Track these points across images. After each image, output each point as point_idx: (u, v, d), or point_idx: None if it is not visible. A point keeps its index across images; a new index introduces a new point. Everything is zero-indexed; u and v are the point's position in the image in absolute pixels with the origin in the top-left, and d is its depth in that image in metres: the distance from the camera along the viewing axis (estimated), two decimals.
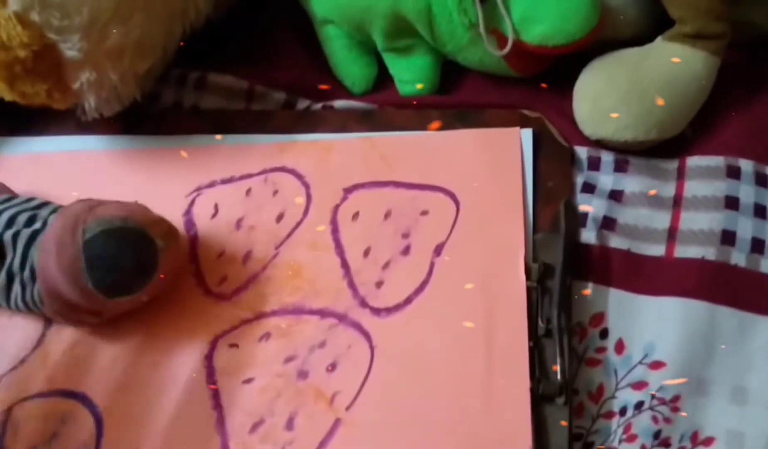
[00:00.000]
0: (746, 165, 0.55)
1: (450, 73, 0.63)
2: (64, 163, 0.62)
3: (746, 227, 0.53)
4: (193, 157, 0.61)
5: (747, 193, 0.54)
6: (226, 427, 0.50)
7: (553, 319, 0.50)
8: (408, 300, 0.53)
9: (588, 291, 0.52)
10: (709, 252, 0.52)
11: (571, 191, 0.56)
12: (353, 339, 0.52)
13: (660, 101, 0.52)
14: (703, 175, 0.55)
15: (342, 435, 0.49)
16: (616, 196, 0.55)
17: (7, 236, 0.52)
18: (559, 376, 0.49)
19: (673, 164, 0.57)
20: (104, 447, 0.50)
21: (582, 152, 0.58)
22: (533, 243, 0.54)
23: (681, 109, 0.55)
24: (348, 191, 0.58)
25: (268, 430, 0.49)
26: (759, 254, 0.52)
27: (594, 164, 0.57)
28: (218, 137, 0.61)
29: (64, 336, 0.54)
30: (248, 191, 0.59)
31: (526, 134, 0.58)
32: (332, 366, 0.51)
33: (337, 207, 0.57)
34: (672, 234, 0.53)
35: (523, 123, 0.59)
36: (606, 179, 0.56)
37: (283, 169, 0.59)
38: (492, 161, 0.57)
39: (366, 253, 0.55)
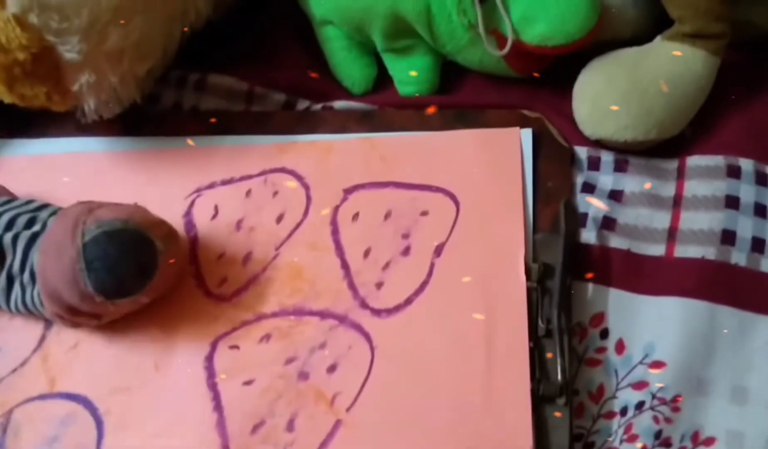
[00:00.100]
0: (746, 164, 0.55)
1: (450, 74, 0.63)
2: (63, 165, 0.62)
3: (746, 227, 0.53)
4: (192, 158, 0.61)
5: (747, 192, 0.54)
6: (227, 428, 0.50)
7: (554, 319, 0.50)
8: (408, 301, 0.53)
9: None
10: (709, 252, 0.52)
11: (571, 191, 0.56)
12: (353, 340, 0.52)
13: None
14: (703, 174, 0.55)
15: (342, 436, 0.49)
16: (616, 196, 0.55)
17: (7, 238, 0.52)
18: (559, 376, 0.49)
19: (673, 164, 0.57)
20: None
21: (582, 152, 0.58)
22: (533, 243, 0.54)
23: (681, 109, 0.55)
24: (348, 191, 0.58)
25: (268, 431, 0.49)
26: (759, 253, 0.52)
27: (594, 164, 0.57)
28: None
29: (64, 338, 0.54)
30: (248, 192, 0.59)
31: (526, 134, 0.58)
32: (333, 367, 0.51)
33: (337, 208, 0.57)
34: (672, 234, 0.53)
35: (523, 123, 0.59)
36: (606, 179, 0.56)
37: (282, 170, 0.59)
38: (492, 162, 0.57)
39: (366, 254, 0.55)
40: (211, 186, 0.60)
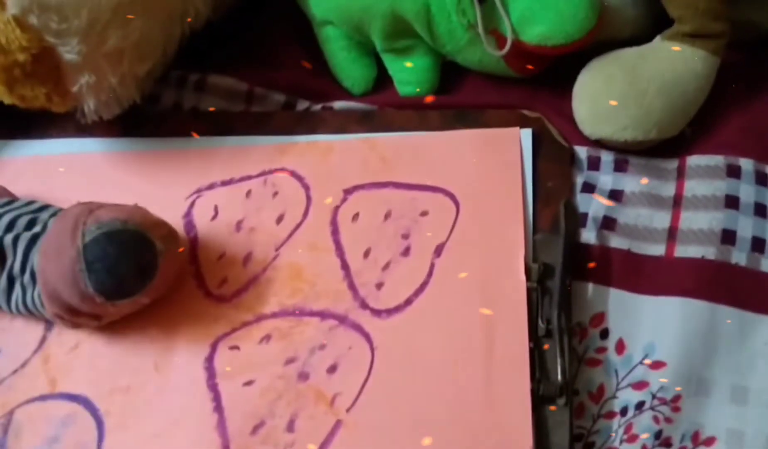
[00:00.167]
0: (746, 164, 0.55)
1: (449, 74, 0.63)
2: (63, 166, 0.62)
3: (746, 226, 0.53)
4: (192, 159, 0.61)
5: (747, 192, 0.54)
6: (227, 429, 0.50)
7: (554, 319, 0.50)
8: (408, 301, 0.53)
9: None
10: (709, 252, 0.52)
11: (571, 191, 0.56)
12: (354, 341, 0.52)
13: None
14: (703, 174, 0.55)
15: (343, 437, 0.49)
16: (615, 196, 0.55)
17: (8, 239, 0.53)
18: (559, 376, 0.49)
19: (672, 164, 0.57)
20: None
21: (582, 151, 0.58)
22: (533, 243, 0.54)
23: (680, 109, 0.55)
24: (348, 192, 0.58)
25: (268, 432, 0.49)
26: (759, 253, 0.52)
27: (594, 164, 0.57)
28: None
29: (65, 339, 0.54)
30: (248, 193, 0.59)
31: (526, 134, 0.58)
32: (333, 368, 0.51)
33: (336, 208, 0.57)
34: (672, 234, 0.54)
35: (523, 123, 0.59)
36: (606, 179, 0.56)
37: (282, 170, 0.59)
38: (492, 162, 0.57)
39: (366, 254, 0.55)
40: (211, 187, 0.60)
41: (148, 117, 0.63)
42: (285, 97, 0.64)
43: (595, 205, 0.55)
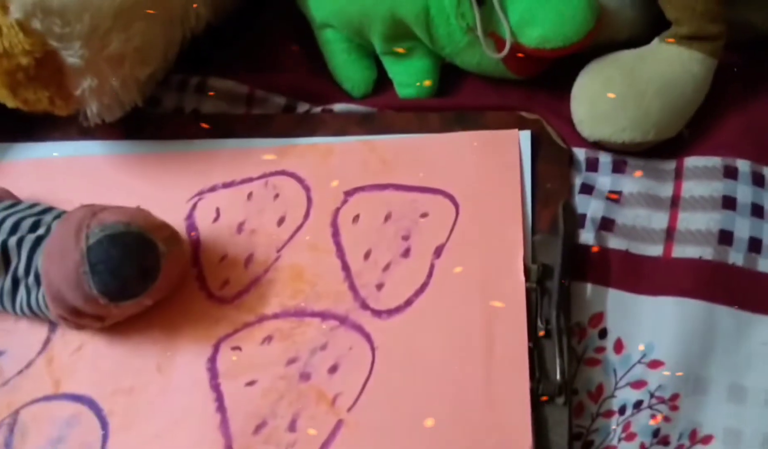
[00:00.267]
0: (743, 165, 0.55)
1: (449, 76, 0.64)
2: (66, 168, 0.62)
3: (743, 227, 0.53)
4: (194, 161, 0.61)
5: (744, 193, 0.54)
6: (230, 429, 0.50)
7: (553, 319, 0.51)
8: (408, 302, 0.53)
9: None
10: (706, 252, 0.52)
11: (570, 193, 0.56)
12: (354, 341, 0.52)
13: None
14: (701, 175, 0.55)
15: (344, 436, 0.49)
16: (614, 197, 0.56)
17: (12, 241, 0.53)
18: (558, 376, 0.49)
19: (670, 165, 0.57)
20: None
21: (580, 153, 0.58)
22: (532, 244, 0.54)
23: (678, 111, 0.56)
24: (348, 194, 0.58)
25: (270, 432, 0.50)
26: (756, 253, 0.52)
27: (592, 165, 0.58)
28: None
29: (68, 340, 0.55)
30: (249, 195, 0.59)
31: (525, 136, 0.58)
32: (334, 368, 0.51)
33: (337, 210, 0.58)
34: (670, 234, 0.54)
35: (522, 125, 0.59)
36: (604, 180, 0.57)
37: (283, 172, 0.60)
38: (491, 163, 0.57)
39: (366, 255, 0.55)
40: (212, 189, 0.60)
41: (149, 120, 0.63)
42: (285, 99, 0.64)
43: (594, 206, 0.55)
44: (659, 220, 0.54)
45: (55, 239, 0.51)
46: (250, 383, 0.52)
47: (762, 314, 0.50)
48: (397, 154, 0.59)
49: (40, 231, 0.53)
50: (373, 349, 0.52)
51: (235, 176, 0.60)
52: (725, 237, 0.53)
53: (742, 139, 0.56)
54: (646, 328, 0.51)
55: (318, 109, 0.63)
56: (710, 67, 0.56)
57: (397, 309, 0.53)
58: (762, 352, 0.49)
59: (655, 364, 0.50)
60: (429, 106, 0.62)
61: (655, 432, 0.48)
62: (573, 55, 0.57)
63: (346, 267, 0.55)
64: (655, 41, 0.57)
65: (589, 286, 0.52)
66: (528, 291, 0.52)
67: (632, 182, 0.56)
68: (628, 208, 0.55)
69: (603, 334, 0.51)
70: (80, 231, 0.49)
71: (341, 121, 0.62)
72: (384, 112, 0.62)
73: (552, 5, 0.55)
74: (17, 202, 0.58)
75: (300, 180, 0.59)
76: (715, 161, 0.56)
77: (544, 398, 0.49)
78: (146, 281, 0.50)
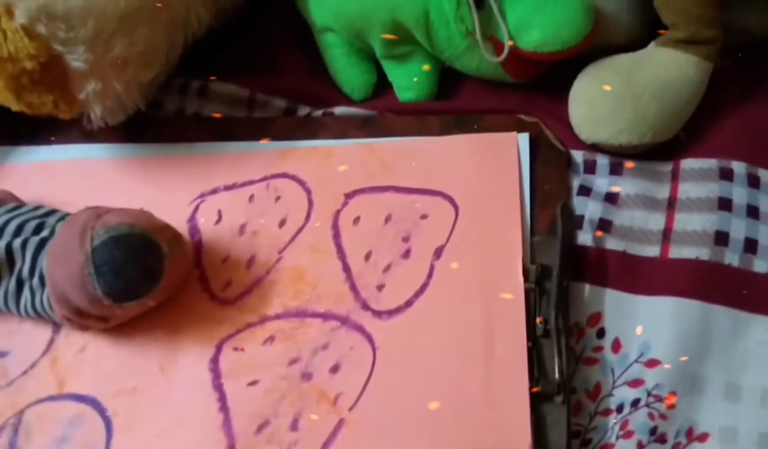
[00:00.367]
0: (739, 167, 0.56)
1: (448, 80, 0.64)
2: (69, 171, 0.63)
3: (739, 228, 0.54)
4: (196, 164, 0.62)
5: (739, 194, 0.55)
6: (233, 428, 0.51)
7: (551, 319, 0.51)
8: (409, 303, 0.54)
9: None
10: (703, 252, 0.53)
11: (568, 194, 0.57)
12: (355, 341, 0.53)
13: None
14: (697, 177, 0.56)
15: (345, 435, 0.50)
16: (611, 198, 0.56)
17: (16, 243, 0.53)
18: (557, 375, 0.50)
19: (667, 167, 0.58)
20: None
21: (578, 155, 0.59)
22: (531, 246, 0.55)
23: (674, 114, 0.56)
24: (349, 196, 0.59)
25: (273, 431, 0.50)
26: (752, 254, 0.53)
27: (590, 168, 0.58)
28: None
29: (72, 341, 0.55)
30: (251, 198, 0.60)
31: (523, 139, 0.59)
32: (335, 368, 0.52)
33: (338, 212, 0.58)
34: (667, 235, 0.54)
35: (520, 128, 0.60)
36: (602, 182, 0.57)
37: (284, 175, 0.60)
38: (490, 166, 0.58)
39: (367, 257, 0.56)
40: (214, 191, 0.61)
41: (151, 123, 0.64)
42: (286, 103, 0.65)
43: (592, 207, 0.56)
44: (656, 221, 0.55)
45: (60, 241, 0.51)
46: (253, 383, 0.52)
47: (758, 313, 0.51)
48: (397, 156, 0.60)
49: (44, 233, 0.54)
50: (374, 349, 0.52)
51: (237, 178, 0.61)
52: (721, 238, 0.53)
53: (738, 141, 0.57)
54: (644, 328, 0.51)
55: (319, 112, 0.64)
56: (706, 70, 0.56)
57: (398, 310, 0.54)
58: (757, 351, 0.50)
59: (652, 363, 0.50)
60: (428, 109, 0.62)
61: (652, 430, 0.49)
62: (570, 59, 0.57)
63: (347, 268, 0.56)
64: (652, 45, 0.57)
65: (587, 286, 0.53)
66: (527, 292, 0.53)
67: (629, 184, 0.57)
68: (626, 209, 0.56)
69: (601, 334, 0.52)
70: (85, 233, 0.50)
71: (342, 124, 0.63)
72: (384, 115, 0.63)
73: (550, 10, 0.56)
74: (21, 204, 0.58)
75: (301, 182, 0.60)
76: (711, 163, 0.56)
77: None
78: (150, 282, 0.51)
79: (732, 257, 0.53)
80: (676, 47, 0.56)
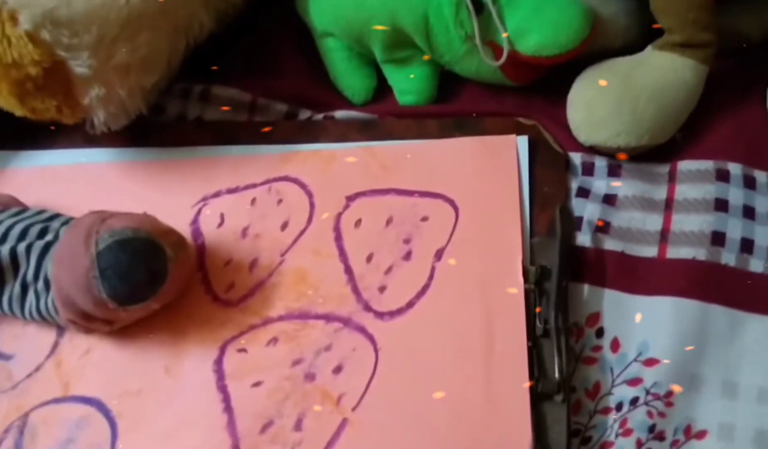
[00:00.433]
0: (735, 168, 0.56)
1: (447, 83, 0.65)
2: (71, 175, 0.63)
3: (735, 228, 0.54)
4: (198, 168, 0.62)
5: (736, 195, 0.55)
6: (237, 429, 0.51)
7: (551, 320, 0.52)
8: (410, 304, 0.54)
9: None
10: (700, 253, 0.53)
11: (566, 196, 0.57)
12: (358, 342, 0.53)
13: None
14: (694, 178, 0.57)
15: (349, 435, 0.50)
16: (609, 200, 0.57)
17: (21, 248, 0.54)
18: (557, 374, 0.50)
19: (664, 168, 0.58)
20: None
21: (576, 157, 0.59)
22: (530, 247, 0.55)
23: (671, 116, 0.57)
24: (350, 199, 0.59)
25: (277, 431, 0.51)
26: (748, 254, 0.54)
27: (588, 170, 0.59)
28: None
29: (77, 344, 0.55)
30: (253, 201, 0.60)
31: (522, 141, 0.59)
32: (338, 368, 0.53)
33: (339, 215, 0.59)
34: (664, 236, 0.55)
35: (519, 130, 0.60)
36: (600, 184, 0.58)
37: (286, 178, 0.61)
38: (489, 168, 0.59)
39: (369, 259, 0.57)
40: (216, 195, 0.61)
41: (153, 127, 0.64)
42: (287, 106, 0.65)
43: (590, 209, 0.56)
44: (654, 222, 0.56)
45: (65, 245, 0.52)
46: (256, 384, 0.53)
47: (754, 312, 0.52)
48: (398, 159, 0.60)
49: (49, 237, 0.54)
50: (376, 350, 0.53)
51: (239, 182, 0.61)
52: (718, 238, 0.54)
53: (734, 143, 0.58)
54: (642, 327, 0.52)
55: (320, 116, 0.64)
56: (702, 73, 0.57)
57: (399, 311, 0.54)
58: (754, 349, 0.51)
59: (650, 362, 0.51)
60: (428, 112, 0.63)
61: (651, 428, 0.49)
62: (569, 63, 0.58)
63: (348, 270, 0.56)
64: (649, 49, 0.58)
65: (586, 287, 0.54)
66: (527, 292, 0.53)
67: (627, 186, 0.57)
68: (624, 210, 0.56)
69: (600, 333, 0.52)
70: (90, 237, 0.50)
71: (342, 127, 0.63)
72: (384, 119, 0.63)
73: (548, 14, 0.56)
74: (24, 209, 0.59)
75: (303, 186, 0.60)
76: (707, 165, 0.57)
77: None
78: (154, 285, 0.51)
79: (728, 257, 0.53)
80: (673, 51, 0.56)
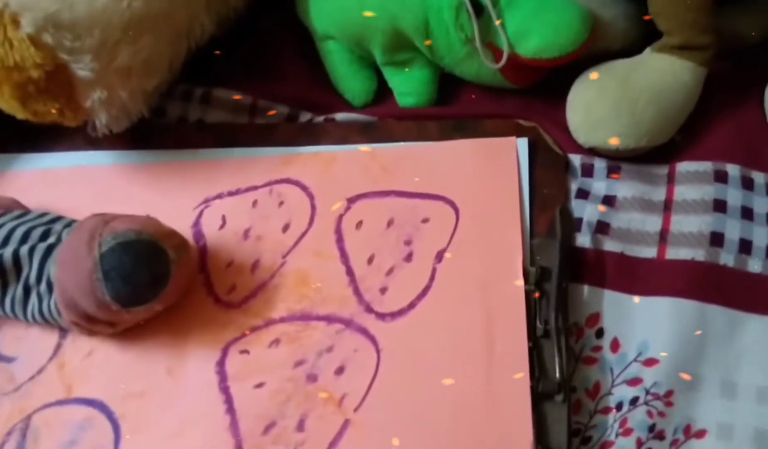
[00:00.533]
0: (733, 170, 0.57)
1: (447, 86, 0.65)
2: (73, 178, 0.63)
3: (734, 229, 0.55)
4: (199, 170, 0.63)
5: (734, 196, 0.56)
6: (240, 430, 0.51)
7: (551, 320, 0.52)
8: (411, 305, 0.55)
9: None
10: (698, 253, 0.54)
11: (566, 197, 0.57)
12: (359, 343, 0.54)
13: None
14: (692, 179, 0.57)
15: (351, 435, 0.50)
16: (609, 201, 0.57)
17: (23, 250, 0.54)
18: (557, 374, 0.51)
19: (663, 170, 0.58)
20: None
21: (576, 159, 0.59)
22: (530, 248, 0.56)
23: (670, 118, 0.57)
24: (351, 200, 0.59)
25: (279, 432, 0.51)
26: (746, 254, 0.54)
27: (587, 171, 0.59)
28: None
29: (80, 346, 0.56)
30: (254, 203, 0.60)
31: (522, 143, 0.60)
32: (340, 370, 0.53)
33: (340, 217, 0.59)
34: (663, 237, 0.55)
35: (519, 132, 0.60)
36: (599, 185, 0.58)
37: (287, 180, 0.61)
38: (489, 170, 0.59)
39: (370, 260, 0.57)
40: (218, 197, 0.61)
41: (155, 130, 0.64)
42: (288, 109, 0.65)
43: (590, 210, 0.57)
44: (653, 223, 0.56)
45: (68, 248, 0.52)
46: (259, 385, 0.53)
47: (753, 312, 0.52)
48: (398, 161, 0.61)
49: (51, 240, 0.54)
50: (377, 351, 0.53)
51: (240, 184, 0.61)
52: (716, 239, 0.54)
53: (732, 144, 0.58)
54: (641, 327, 0.52)
55: (320, 118, 0.64)
56: (700, 75, 0.57)
57: (401, 312, 0.54)
58: (753, 349, 0.51)
59: (650, 362, 0.51)
60: (428, 114, 0.63)
61: (651, 427, 0.50)
62: (568, 65, 0.58)
63: (350, 272, 0.57)
64: (647, 51, 0.58)
65: (585, 287, 0.54)
66: (527, 293, 0.53)
67: (626, 187, 0.57)
68: (623, 212, 0.57)
69: (600, 334, 0.53)
70: (93, 239, 0.50)
71: (343, 130, 0.63)
72: (385, 121, 0.63)
73: (548, 17, 0.57)
74: (26, 211, 0.59)
75: (304, 188, 0.60)
76: (706, 166, 0.57)
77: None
78: (157, 287, 0.51)
79: (727, 258, 0.54)
80: (672, 53, 0.57)
